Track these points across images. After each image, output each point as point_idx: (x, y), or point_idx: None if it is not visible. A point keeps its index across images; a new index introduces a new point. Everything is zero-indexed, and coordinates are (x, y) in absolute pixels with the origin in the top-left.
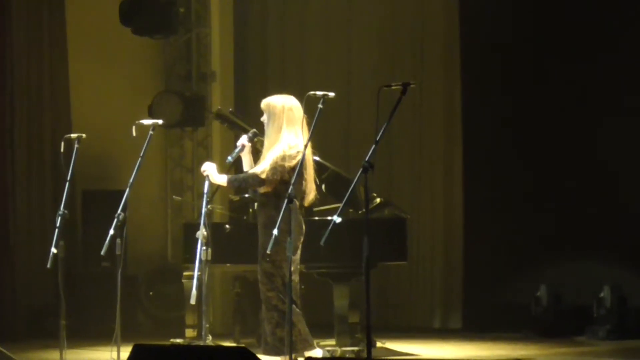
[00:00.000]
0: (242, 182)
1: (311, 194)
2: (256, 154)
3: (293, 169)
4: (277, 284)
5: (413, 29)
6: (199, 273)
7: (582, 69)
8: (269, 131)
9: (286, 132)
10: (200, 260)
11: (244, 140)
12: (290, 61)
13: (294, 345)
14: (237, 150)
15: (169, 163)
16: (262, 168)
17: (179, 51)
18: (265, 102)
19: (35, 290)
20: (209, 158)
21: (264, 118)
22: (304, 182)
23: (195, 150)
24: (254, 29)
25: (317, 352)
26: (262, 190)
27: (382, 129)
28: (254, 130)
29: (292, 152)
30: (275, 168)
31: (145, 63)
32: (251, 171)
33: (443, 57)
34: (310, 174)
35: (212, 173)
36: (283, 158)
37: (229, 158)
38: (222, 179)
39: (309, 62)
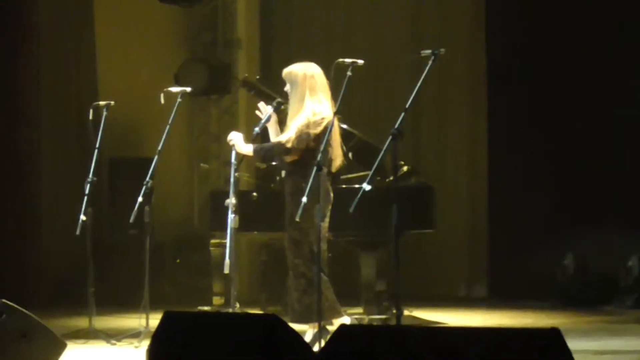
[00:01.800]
0: (267, 152)
1: (338, 159)
2: (281, 124)
3: (318, 136)
4: (304, 252)
5: None
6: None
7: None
8: (292, 100)
9: (309, 100)
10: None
11: (268, 110)
12: (316, 28)
13: (321, 313)
14: (263, 120)
15: (195, 131)
16: (288, 137)
17: (205, 19)
18: (286, 71)
19: (63, 258)
20: (235, 126)
21: (287, 88)
22: (330, 148)
23: (221, 118)
24: None
25: (345, 320)
26: (288, 159)
27: (412, 96)
28: (279, 99)
29: (317, 118)
30: (301, 136)
31: (171, 31)
32: (276, 140)
33: (469, 25)
34: (336, 139)
35: (238, 142)
36: (308, 125)
37: (256, 129)
38: (248, 149)
39: (335, 29)
